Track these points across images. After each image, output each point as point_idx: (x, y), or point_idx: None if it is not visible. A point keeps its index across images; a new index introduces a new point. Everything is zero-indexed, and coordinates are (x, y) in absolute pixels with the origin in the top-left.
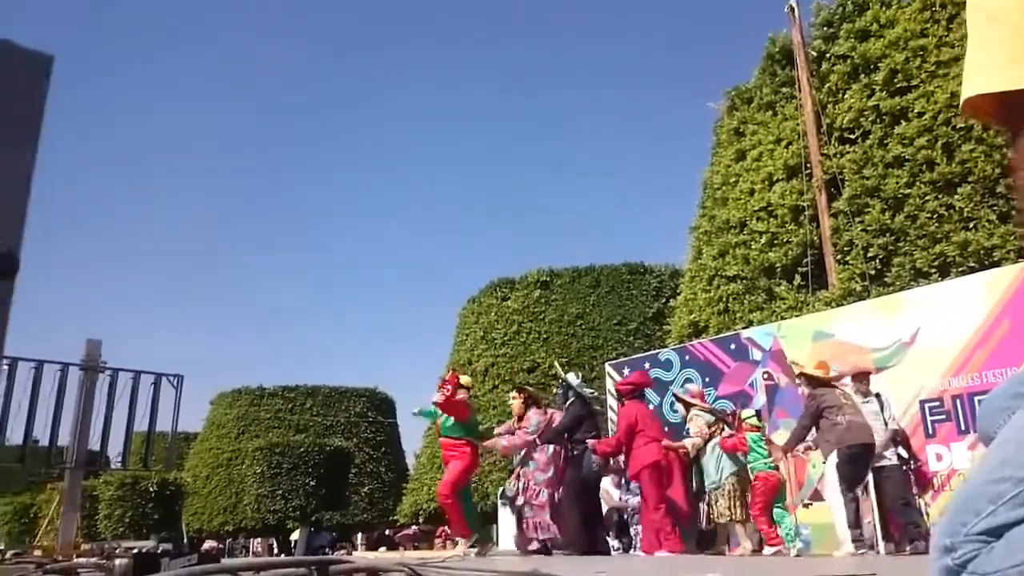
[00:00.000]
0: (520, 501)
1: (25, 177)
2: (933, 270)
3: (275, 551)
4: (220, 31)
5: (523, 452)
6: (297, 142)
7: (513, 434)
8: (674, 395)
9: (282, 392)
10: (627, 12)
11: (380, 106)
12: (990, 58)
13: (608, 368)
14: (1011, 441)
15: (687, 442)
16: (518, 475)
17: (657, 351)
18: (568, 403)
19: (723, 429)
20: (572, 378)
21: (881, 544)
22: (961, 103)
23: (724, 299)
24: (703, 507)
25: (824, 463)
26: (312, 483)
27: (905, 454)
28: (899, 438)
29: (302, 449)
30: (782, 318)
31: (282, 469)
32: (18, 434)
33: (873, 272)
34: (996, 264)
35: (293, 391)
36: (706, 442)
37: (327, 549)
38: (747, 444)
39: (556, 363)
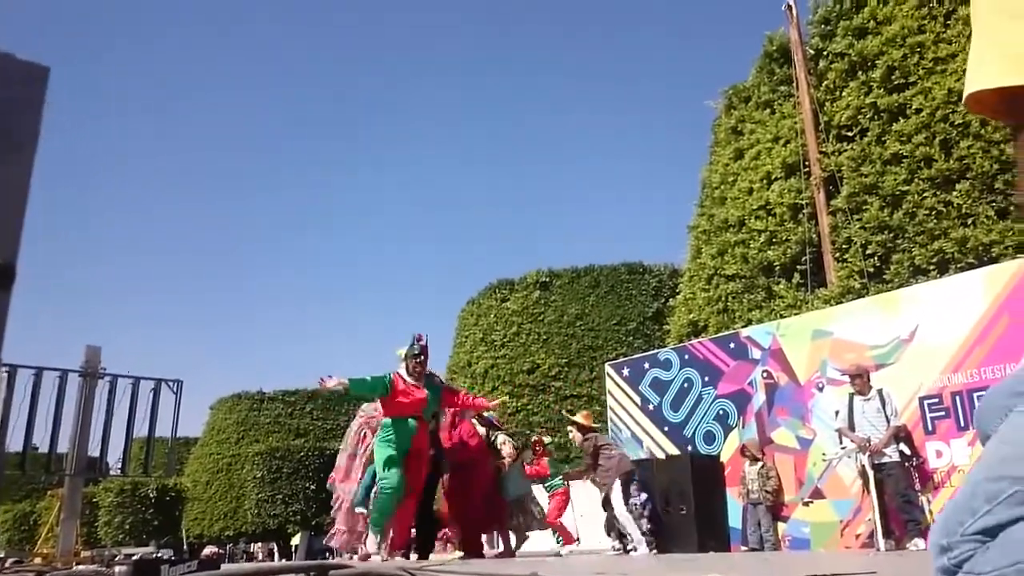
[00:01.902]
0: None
1: (23, 189)
2: (932, 267)
3: (276, 556)
4: (228, 14)
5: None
6: (300, 145)
7: None
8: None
9: (282, 396)
10: (626, 10)
11: (383, 108)
12: (1003, 53)
13: (608, 368)
14: (1009, 440)
15: (505, 460)
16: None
17: (657, 351)
18: None
19: (525, 452)
20: None
21: (881, 541)
22: (964, 97)
23: (723, 298)
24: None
25: (609, 489)
26: (312, 487)
27: (907, 451)
28: (902, 435)
29: (302, 453)
30: (781, 316)
31: (282, 474)
32: (18, 441)
33: (872, 269)
34: (995, 260)
35: (293, 395)
36: (513, 461)
37: (327, 553)
38: (548, 470)
39: None
